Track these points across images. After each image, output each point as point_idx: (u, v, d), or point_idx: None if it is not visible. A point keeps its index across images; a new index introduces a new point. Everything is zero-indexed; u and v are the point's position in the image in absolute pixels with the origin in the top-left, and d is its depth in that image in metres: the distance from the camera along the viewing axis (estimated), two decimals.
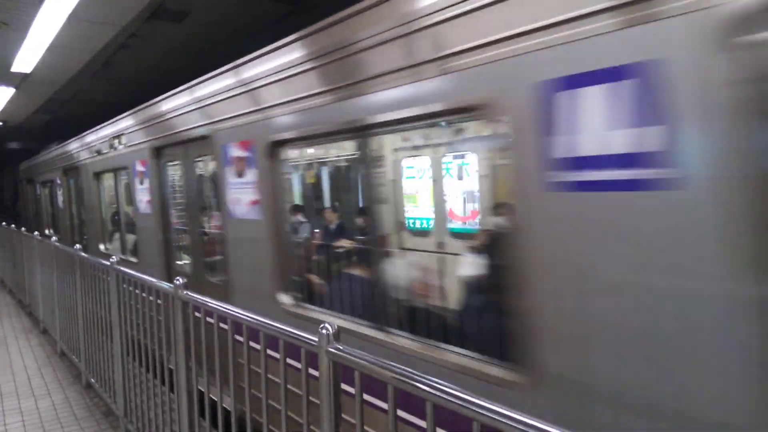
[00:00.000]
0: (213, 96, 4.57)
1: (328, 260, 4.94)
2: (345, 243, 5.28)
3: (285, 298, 3.92)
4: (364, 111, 3.06)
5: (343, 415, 2.00)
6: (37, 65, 8.39)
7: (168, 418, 3.51)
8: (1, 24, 6.67)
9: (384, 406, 1.77)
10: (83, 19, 6.36)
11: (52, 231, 11.96)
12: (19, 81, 9.59)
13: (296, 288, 4.03)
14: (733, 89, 1.60)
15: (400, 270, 3.73)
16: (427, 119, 2.85)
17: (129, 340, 4.14)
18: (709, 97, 1.66)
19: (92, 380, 5.29)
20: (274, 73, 3.75)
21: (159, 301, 3.46)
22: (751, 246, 1.60)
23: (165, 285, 3.28)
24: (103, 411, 4.90)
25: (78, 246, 5.70)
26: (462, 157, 6.80)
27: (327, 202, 8.41)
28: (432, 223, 7.21)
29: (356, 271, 3.89)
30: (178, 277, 3.12)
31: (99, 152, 8.00)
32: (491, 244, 4.82)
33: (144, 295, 3.71)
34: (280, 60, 3.67)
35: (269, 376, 2.46)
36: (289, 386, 2.34)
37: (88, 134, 8.62)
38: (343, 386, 1.98)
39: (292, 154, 6.88)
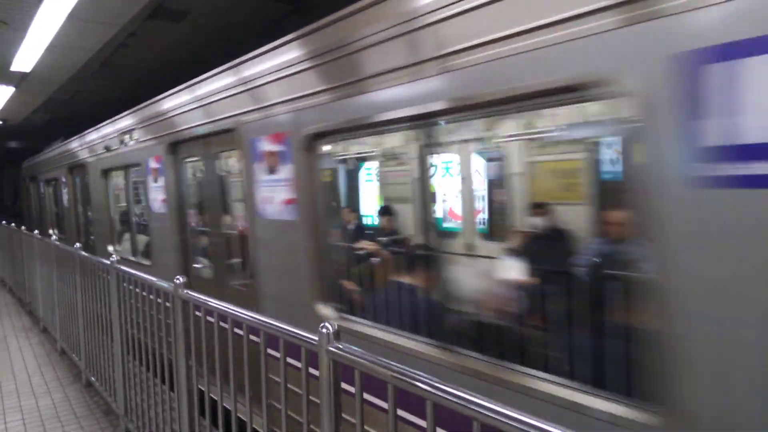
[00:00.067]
0: (240, 85, 4.17)
1: (378, 266, 4.62)
2: (385, 247, 4.96)
3: (326, 310, 3.56)
4: (437, 95, 2.59)
5: (343, 415, 2.01)
6: (37, 64, 8.38)
7: (168, 416, 3.52)
8: (0, 23, 6.66)
9: (384, 405, 1.77)
10: (83, 18, 6.35)
11: (56, 231, 11.62)
12: (19, 80, 9.58)
13: (338, 297, 3.68)
14: None
15: (464, 278, 3.31)
16: (520, 101, 2.34)
17: (129, 339, 4.14)
18: None
19: (92, 379, 5.29)
20: (317, 56, 3.33)
21: (159, 300, 3.46)
22: None
23: (165, 284, 3.29)
24: (103, 409, 4.91)
25: (78, 245, 5.68)
26: (494, 153, 6.23)
27: (374, 203, 7.71)
28: (462, 224, 6.62)
29: (410, 280, 3.50)
30: (178, 276, 3.12)
31: (108, 149, 7.62)
32: (534, 246, 4.59)
33: (144, 293, 3.71)
34: (325, 41, 3.26)
35: (269, 375, 2.46)
36: (289, 385, 2.34)
37: (95, 130, 8.24)
38: (343, 385, 1.99)
39: (334, 147, 6.39)
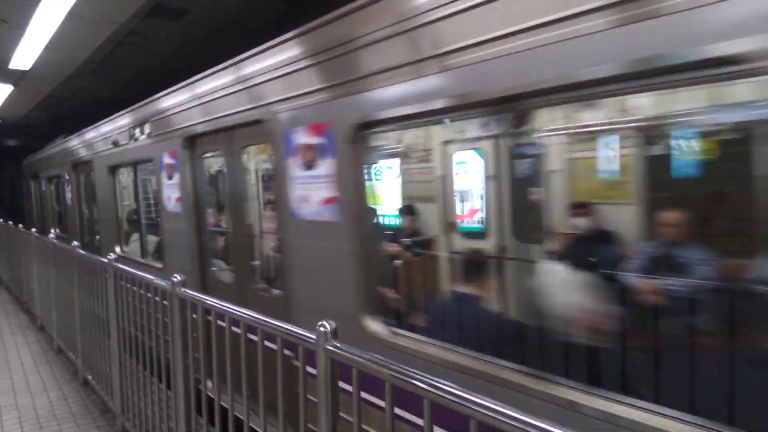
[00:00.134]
0: (271, 71, 3.77)
1: (428, 272, 4.28)
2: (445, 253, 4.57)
3: (375, 325, 3.12)
4: (545, 70, 2.15)
5: (341, 413, 2.01)
6: (36, 62, 8.36)
7: (165, 415, 3.51)
8: None
9: (381, 403, 1.77)
10: (82, 16, 6.34)
11: (58, 230, 11.27)
12: (17, 78, 9.56)
13: (387, 310, 3.36)
14: None
15: (552, 288, 2.82)
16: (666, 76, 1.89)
17: (126, 337, 4.13)
18: None
19: (89, 377, 5.28)
20: (370, 33, 2.89)
21: (156, 298, 3.45)
22: None
23: (162, 282, 3.28)
24: (100, 408, 4.90)
25: (75, 243, 5.66)
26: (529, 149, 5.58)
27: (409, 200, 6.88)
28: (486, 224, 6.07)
29: (474, 289, 3.14)
30: (176, 275, 3.11)
31: (116, 144, 7.19)
32: (579, 248, 4.25)
33: (141, 292, 3.70)
34: (381, 16, 2.84)
35: (267, 373, 2.46)
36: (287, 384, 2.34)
37: (102, 124, 7.83)
38: (341, 384, 1.99)
39: (389, 139, 5.74)
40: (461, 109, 2.64)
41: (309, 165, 3.52)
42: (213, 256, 5.31)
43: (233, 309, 2.58)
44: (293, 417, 2.34)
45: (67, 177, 10.18)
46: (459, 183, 6.20)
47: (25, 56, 8.05)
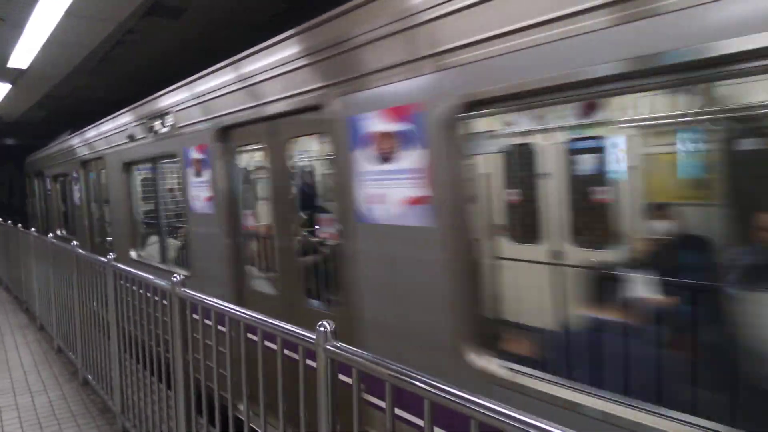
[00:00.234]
0: (334, 45, 3.17)
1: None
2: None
3: (484, 360, 2.50)
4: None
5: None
6: (34, 61, 8.34)
7: (165, 414, 3.51)
8: None
9: (382, 404, 1.77)
10: (80, 14, 6.32)
11: (65, 232, 10.76)
12: (15, 77, 9.54)
13: (500, 341, 2.86)
14: None
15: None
16: None
17: (126, 337, 4.13)
18: None
19: (89, 377, 5.28)
20: None
21: (156, 298, 3.45)
22: None
23: (162, 282, 3.28)
24: (100, 408, 4.90)
25: (75, 242, 5.64)
26: (592, 143, 4.94)
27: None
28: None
29: (619, 316, 2.57)
30: (175, 274, 3.11)
31: (132, 138, 6.55)
32: (664, 256, 3.72)
33: (141, 291, 3.70)
34: None
35: (267, 373, 2.46)
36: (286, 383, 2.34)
37: (116, 117, 7.20)
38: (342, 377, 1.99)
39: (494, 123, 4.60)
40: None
41: (386, 157, 2.92)
42: (250, 263, 4.72)
43: (233, 309, 2.58)
44: (294, 417, 2.34)
45: (75, 175, 9.60)
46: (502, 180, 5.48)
47: (23, 55, 8.03)
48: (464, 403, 1.44)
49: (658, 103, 4.25)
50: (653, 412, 1.94)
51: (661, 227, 4.11)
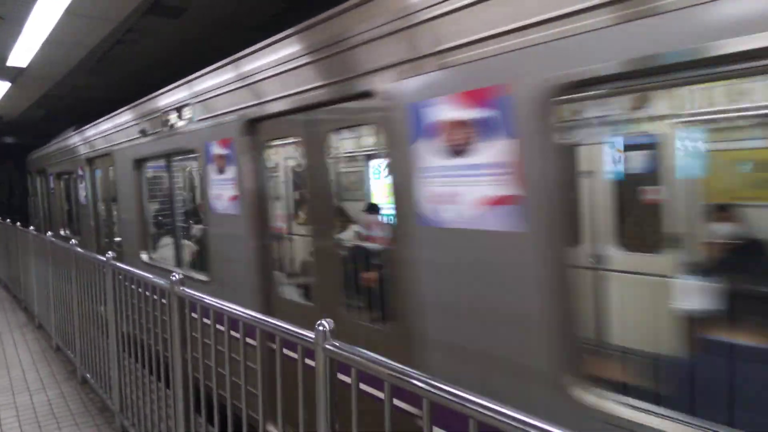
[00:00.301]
0: (394, 21, 2.74)
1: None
2: None
3: (594, 397, 2.04)
4: None
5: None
6: (33, 60, 8.34)
7: (164, 413, 3.51)
8: None
9: (380, 395, 1.77)
10: (80, 13, 6.33)
11: (68, 232, 10.38)
12: (15, 75, 9.53)
13: (607, 370, 2.51)
14: None
15: None
16: None
17: (125, 336, 4.13)
18: None
19: (88, 375, 5.28)
20: None
21: (155, 297, 3.45)
22: None
23: (161, 281, 3.28)
24: (99, 406, 4.90)
25: (73, 241, 5.63)
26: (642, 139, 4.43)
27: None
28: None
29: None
30: (174, 273, 3.11)
31: (144, 133, 6.16)
32: (730, 261, 3.32)
33: (140, 290, 3.70)
34: None
35: (267, 372, 2.46)
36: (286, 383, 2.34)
37: (125, 111, 6.77)
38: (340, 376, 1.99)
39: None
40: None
41: (459, 150, 2.51)
42: (281, 269, 4.37)
43: (232, 308, 2.58)
44: (293, 416, 2.35)
45: (80, 172, 9.19)
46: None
47: (22, 53, 8.03)
48: (463, 402, 1.44)
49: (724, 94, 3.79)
50: None
51: (723, 230, 3.66)
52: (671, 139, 4.21)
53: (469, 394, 1.44)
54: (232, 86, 4.26)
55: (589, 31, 1.96)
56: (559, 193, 2.16)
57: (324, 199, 3.69)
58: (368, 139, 4.61)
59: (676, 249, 3.94)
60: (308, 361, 2.10)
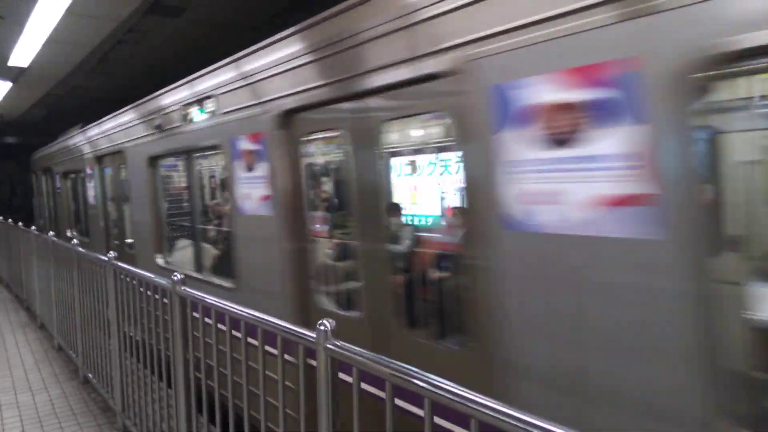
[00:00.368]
0: None
1: None
2: None
3: None
4: None
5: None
6: (34, 59, 8.36)
7: (165, 413, 3.51)
8: None
9: (381, 394, 1.76)
10: (81, 13, 6.34)
11: (76, 233, 9.92)
12: (16, 75, 9.55)
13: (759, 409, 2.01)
14: None
15: None
16: None
17: (126, 336, 4.13)
18: None
19: (89, 375, 5.28)
20: None
21: (156, 297, 3.45)
22: None
23: (163, 281, 3.28)
24: (101, 406, 4.90)
25: (75, 241, 5.63)
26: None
27: None
28: None
29: None
30: (175, 273, 3.11)
31: (160, 128, 5.74)
32: None
33: (142, 290, 3.70)
34: None
35: (267, 372, 2.46)
36: (286, 382, 2.34)
37: (139, 105, 6.34)
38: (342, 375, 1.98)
39: None
40: None
41: (563, 139, 2.08)
42: (318, 277, 3.96)
43: (234, 308, 2.58)
44: (294, 416, 2.35)
45: (89, 171, 8.76)
46: None
47: (23, 53, 8.05)
48: (464, 402, 1.44)
49: None
50: None
51: None
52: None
53: (471, 394, 1.44)
54: (265, 74, 3.86)
55: None
56: (708, 189, 1.80)
57: (373, 198, 3.24)
58: (414, 132, 4.09)
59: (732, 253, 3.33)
60: (310, 361, 2.10)
